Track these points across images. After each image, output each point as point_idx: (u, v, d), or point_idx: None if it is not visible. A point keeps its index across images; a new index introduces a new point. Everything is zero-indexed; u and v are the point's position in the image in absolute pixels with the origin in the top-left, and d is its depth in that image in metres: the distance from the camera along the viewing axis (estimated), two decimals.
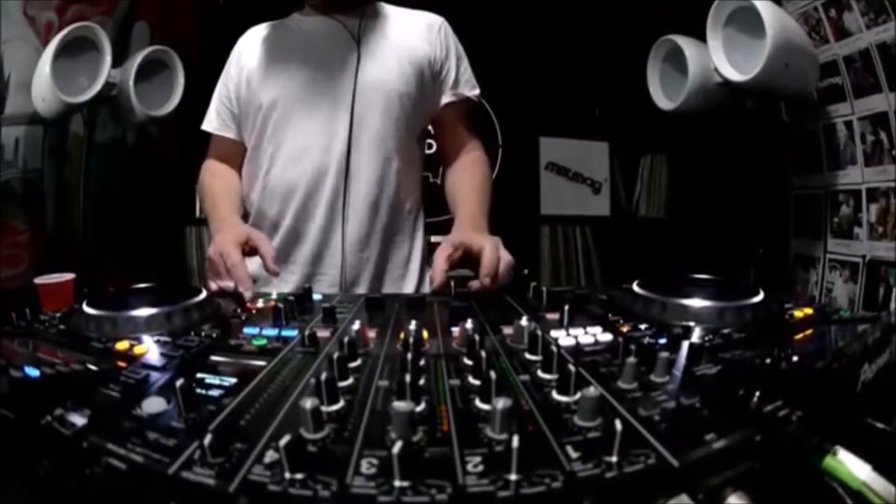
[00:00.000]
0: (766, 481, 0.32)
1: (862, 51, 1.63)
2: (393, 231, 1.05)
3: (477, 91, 1.10)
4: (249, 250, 0.86)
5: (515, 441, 0.30)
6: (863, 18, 1.62)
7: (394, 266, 1.07)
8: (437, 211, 1.17)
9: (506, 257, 0.83)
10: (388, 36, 1.02)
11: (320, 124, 0.98)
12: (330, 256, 1.02)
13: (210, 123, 1.10)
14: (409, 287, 1.08)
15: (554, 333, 0.56)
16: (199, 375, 0.46)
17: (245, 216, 1.06)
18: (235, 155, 1.11)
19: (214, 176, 1.09)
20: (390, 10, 1.07)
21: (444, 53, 1.05)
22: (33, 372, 0.44)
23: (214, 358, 0.51)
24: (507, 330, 0.57)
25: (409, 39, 1.03)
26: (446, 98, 1.07)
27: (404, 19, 1.06)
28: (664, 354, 0.44)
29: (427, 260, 1.13)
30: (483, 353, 0.43)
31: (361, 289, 1.02)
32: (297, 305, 0.69)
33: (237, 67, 1.06)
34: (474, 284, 0.81)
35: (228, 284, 0.81)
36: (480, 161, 1.11)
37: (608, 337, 0.54)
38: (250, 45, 1.06)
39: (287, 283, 1.00)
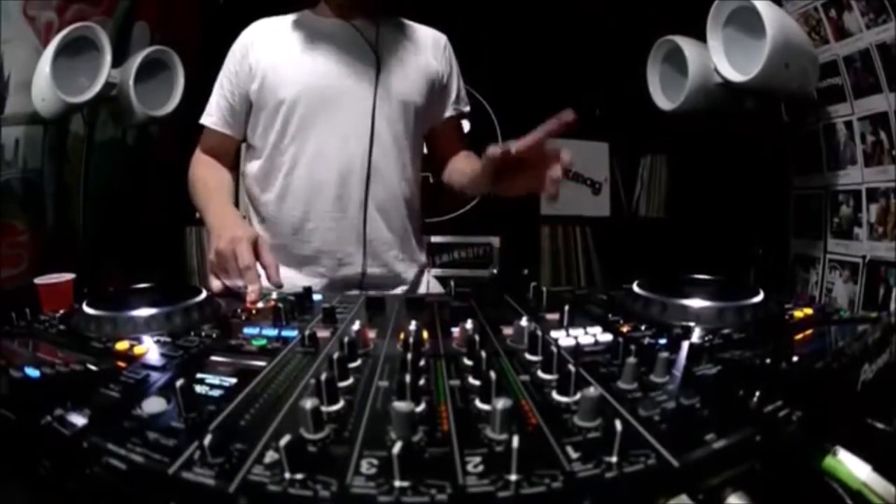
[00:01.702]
0: (766, 481, 0.32)
1: (862, 51, 1.63)
2: (407, 232, 1.09)
3: (468, 107, 1.17)
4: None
5: (515, 441, 0.30)
6: (863, 18, 1.62)
7: (407, 266, 1.10)
8: (435, 211, 1.19)
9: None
10: (404, 48, 1.05)
11: (343, 127, 1.00)
12: (355, 257, 1.03)
13: (210, 117, 1.08)
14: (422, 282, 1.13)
15: (554, 334, 0.56)
16: (199, 375, 0.46)
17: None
18: (228, 152, 1.11)
19: (208, 168, 1.09)
20: (403, 22, 1.10)
21: (449, 70, 1.11)
22: (33, 372, 0.44)
23: (214, 358, 0.51)
24: (507, 330, 0.57)
25: (422, 54, 1.07)
26: (448, 112, 1.13)
27: (416, 33, 1.09)
28: (664, 355, 0.44)
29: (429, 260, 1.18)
30: (483, 353, 0.43)
31: (385, 289, 1.04)
32: (297, 305, 0.69)
33: (246, 63, 1.02)
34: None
35: (238, 283, 0.81)
36: (472, 155, 1.14)
37: (608, 337, 0.54)
38: (261, 40, 1.03)
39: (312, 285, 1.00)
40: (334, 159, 1.00)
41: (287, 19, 1.06)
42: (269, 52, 1.01)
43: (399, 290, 1.07)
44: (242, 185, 1.27)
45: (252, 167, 1.08)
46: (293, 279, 1.02)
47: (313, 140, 1.00)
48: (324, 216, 1.01)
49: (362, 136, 1.00)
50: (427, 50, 1.08)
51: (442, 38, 1.12)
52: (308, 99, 0.98)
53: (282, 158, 1.02)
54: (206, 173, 1.07)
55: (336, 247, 1.03)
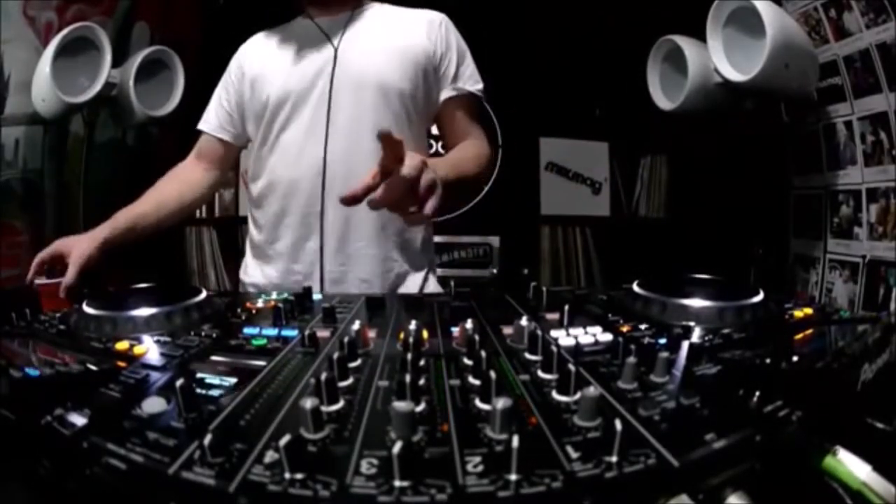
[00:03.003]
0: (766, 481, 0.32)
1: (862, 51, 1.63)
2: (387, 232, 1.03)
3: (480, 86, 1.08)
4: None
5: (515, 441, 0.30)
6: (863, 18, 1.62)
7: (388, 267, 1.04)
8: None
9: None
10: (386, 34, 1.03)
11: (316, 126, 0.99)
12: (330, 256, 1.01)
13: (207, 124, 1.12)
14: (415, 282, 1.07)
15: (554, 333, 0.56)
16: (199, 375, 0.46)
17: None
18: (225, 156, 1.14)
19: (169, 179, 1.12)
20: (389, 9, 1.08)
21: (445, 48, 1.04)
22: (33, 372, 0.44)
23: (214, 358, 0.51)
24: (507, 330, 0.57)
25: (409, 37, 1.02)
26: (446, 93, 1.05)
27: (404, 17, 1.06)
28: (664, 354, 0.44)
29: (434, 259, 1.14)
30: (483, 353, 0.43)
31: (373, 287, 1.01)
32: (297, 305, 0.69)
33: (239, 73, 1.08)
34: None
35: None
36: (477, 144, 1.07)
37: (608, 337, 0.54)
38: (253, 51, 1.09)
39: (297, 286, 0.99)
40: (308, 158, 1.00)
41: (279, 28, 1.09)
42: (257, 61, 1.06)
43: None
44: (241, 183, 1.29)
45: (249, 166, 1.11)
46: (270, 275, 1.05)
47: (289, 141, 1.01)
48: (298, 213, 1.01)
49: (334, 132, 0.99)
50: (417, 30, 1.03)
51: (437, 17, 1.06)
52: (283, 103, 1.00)
53: (267, 159, 1.05)
54: (161, 182, 1.11)
55: (309, 245, 1.01)
